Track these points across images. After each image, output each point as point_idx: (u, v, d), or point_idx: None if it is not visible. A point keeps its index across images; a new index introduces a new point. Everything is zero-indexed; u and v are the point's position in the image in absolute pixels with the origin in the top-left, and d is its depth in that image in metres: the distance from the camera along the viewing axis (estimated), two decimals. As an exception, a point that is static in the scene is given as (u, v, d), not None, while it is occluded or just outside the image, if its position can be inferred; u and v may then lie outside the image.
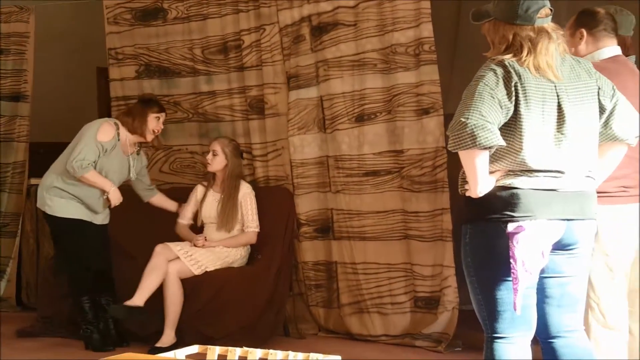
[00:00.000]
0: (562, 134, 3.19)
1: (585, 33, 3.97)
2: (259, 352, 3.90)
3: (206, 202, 6.11)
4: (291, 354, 3.87)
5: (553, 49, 3.26)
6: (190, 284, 6.00)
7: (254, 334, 5.67)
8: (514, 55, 3.19)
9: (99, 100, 9.16)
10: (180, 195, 6.64)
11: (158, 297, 5.98)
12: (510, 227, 3.13)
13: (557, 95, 3.20)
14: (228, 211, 5.98)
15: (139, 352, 5.01)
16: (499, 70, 3.15)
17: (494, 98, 3.07)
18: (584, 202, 3.33)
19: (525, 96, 3.12)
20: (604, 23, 3.99)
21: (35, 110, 7.79)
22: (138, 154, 6.07)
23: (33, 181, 7.54)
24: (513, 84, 3.10)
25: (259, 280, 6.00)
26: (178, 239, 6.40)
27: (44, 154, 7.90)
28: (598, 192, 3.54)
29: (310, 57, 6.19)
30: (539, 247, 3.13)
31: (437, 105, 5.71)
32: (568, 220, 3.26)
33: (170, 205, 6.25)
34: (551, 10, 3.38)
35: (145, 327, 5.89)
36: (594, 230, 3.47)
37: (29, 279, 7.47)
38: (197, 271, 5.80)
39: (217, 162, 6.01)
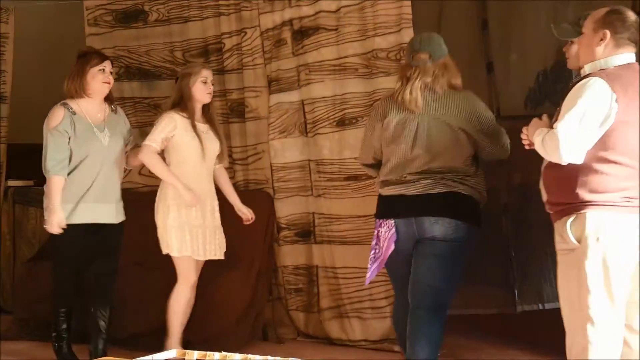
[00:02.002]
0: None
1: (609, 36, 3.76)
2: (237, 357, 3.83)
3: (205, 135, 5.39)
4: (270, 358, 3.80)
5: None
6: (170, 288, 5.82)
7: (232, 338, 5.65)
8: None
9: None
10: None
11: (138, 299, 6.06)
12: None
13: None
14: (224, 145, 5.61)
15: (118, 355, 4.93)
16: None
17: None
18: None
19: None
20: (630, 31, 3.79)
21: (13, 111, 7.73)
22: (116, 112, 5.50)
23: (10, 182, 7.56)
24: None
25: (238, 284, 5.96)
26: None
27: (22, 156, 7.86)
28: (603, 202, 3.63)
29: (291, 61, 6.19)
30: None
31: None
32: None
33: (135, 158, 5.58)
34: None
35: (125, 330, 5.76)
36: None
37: (5, 282, 7.39)
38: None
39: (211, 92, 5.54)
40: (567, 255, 3.77)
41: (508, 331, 5.86)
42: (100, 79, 5.24)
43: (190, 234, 5.27)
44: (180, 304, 5.34)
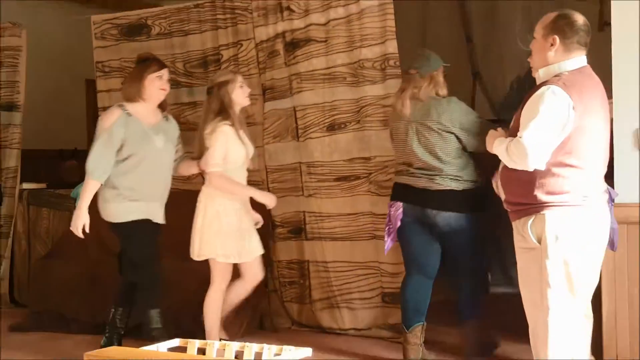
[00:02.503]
0: None
1: (558, 41, 3.80)
2: (236, 345, 4.02)
3: (245, 142, 5.39)
4: (266, 346, 3.98)
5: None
6: (175, 278, 5.99)
7: (231, 327, 5.64)
8: None
9: (87, 110, 9.23)
10: (168, 201, 6.25)
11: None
12: None
13: None
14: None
15: (126, 345, 5.07)
16: None
17: None
18: None
19: None
20: (579, 35, 3.82)
21: (27, 119, 7.81)
22: (167, 120, 5.55)
23: (25, 185, 7.65)
24: None
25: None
26: (181, 236, 5.85)
27: (35, 160, 8.07)
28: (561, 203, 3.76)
29: (284, 71, 6.27)
30: None
31: None
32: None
33: (193, 169, 5.51)
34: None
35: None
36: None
37: (21, 277, 7.49)
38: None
39: None
40: (527, 253, 3.85)
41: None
42: (157, 85, 5.29)
43: (231, 239, 5.23)
44: (217, 304, 5.34)
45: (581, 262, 3.80)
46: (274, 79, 6.37)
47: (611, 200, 4.53)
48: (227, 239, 5.21)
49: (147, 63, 5.37)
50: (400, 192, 5.22)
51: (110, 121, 5.17)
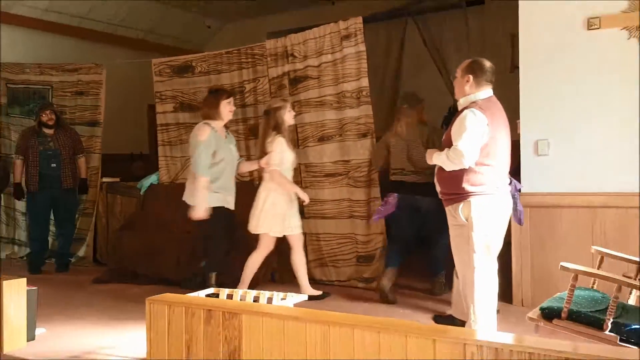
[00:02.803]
0: None
1: (472, 79, 3.88)
2: (253, 292, 4.06)
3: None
4: (275, 293, 4.02)
5: None
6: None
7: (251, 280, 5.53)
8: None
9: (148, 126, 9.21)
10: None
11: (186, 255, 6.09)
12: None
13: None
14: None
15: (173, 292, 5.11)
16: None
17: None
18: None
19: None
20: (486, 74, 3.90)
21: (105, 132, 7.81)
22: (228, 134, 5.50)
23: (104, 179, 7.64)
24: None
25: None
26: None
27: (110, 161, 8.08)
28: (481, 192, 3.82)
29: (289, 99, 6.04)
30: None
31: (371, 131, 5.75)
32: None
33: (254, 166, 5.58)
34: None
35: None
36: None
37: (101, 244, 7.50)
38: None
39: None
40: (458, 229, 3.90)
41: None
42: (228, 109, 5.30)
43: (280, 221, 5.27)
44: (256, 265, 5.37)
45: (495, 234, 3.86)
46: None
47: (517, 190, 4.60)
48: (277, 220, 5.28)
49: (219, 92, 5.42)
50: (396, 187, 5.36)
51: (205, 135, 5.16)
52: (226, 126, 5.48)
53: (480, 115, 3.76)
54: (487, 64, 3.95)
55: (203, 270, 5.43)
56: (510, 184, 4.62)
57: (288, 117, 5.36)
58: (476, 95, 3.89)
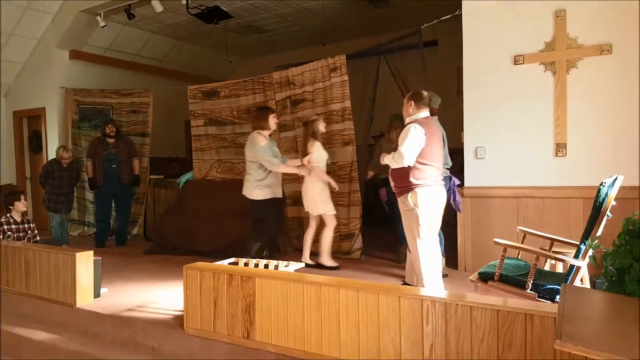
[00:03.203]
0: None
1: (413, 104, 3.91)
2: (264, 261, 4.06)
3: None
4: (280, 262, 4.02)
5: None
6: (229, 224, 5.93)
7: (258, 250, 5.43)
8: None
9: (185, 136, 9.21)
10: (228, 185, 6.60)
11: (215, 232, 6.01)
12: None
13: None
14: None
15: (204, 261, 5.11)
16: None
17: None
18: None
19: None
20: (423, 100, 3.92)
21: (153, 141, 7.80)
22: (272, 140, 5.21)
23: (152, 176, 7.60)
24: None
25: None
26: (235, 204, 5.83)
27: (157, 163, 8.06)
28: (424, 184, 3.79)
29: (290, 116, 6.19)
30: None
31: (352, 141, 5.69)
32: None
33: (298, 162, 5.21)
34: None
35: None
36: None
37: (150, 225, 7.47)
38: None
39: None
40: (408, 213, 3.86)
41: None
42: (274, 121, 5.12)
43: (329, 201, 5.20)
44: (329, 238, 5.26)
45: (434, 214, 3.85)
46: (285, 120, 6.26)
47: (455, 185, 4.64)
48: (329, 202, 5.22)
49: (267, 109, 5.23)
50: (385, 183, 5.12)
51: (264, 141, 4.97)
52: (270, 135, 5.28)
53: (419, 128, 3.80)
54: (425, 93, 3.97)
55: (258, 244, 5.19)
56: (450, 180, 4.66)
57: (321, 126, 5.26)
58: (417, 115, 3.92)
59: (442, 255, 4.71)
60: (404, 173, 3.84)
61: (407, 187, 3.84)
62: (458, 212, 4.91)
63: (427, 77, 5.63)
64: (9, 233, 5.33)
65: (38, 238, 5.55)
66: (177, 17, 7.93)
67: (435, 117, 4.67)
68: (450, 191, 4.73)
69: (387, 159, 3.91)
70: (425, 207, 3.80)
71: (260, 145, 4.97)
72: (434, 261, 3.85)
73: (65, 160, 6.56)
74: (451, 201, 4.75)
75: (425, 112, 3.96)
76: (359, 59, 6.19)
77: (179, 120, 9.30)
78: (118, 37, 8.34)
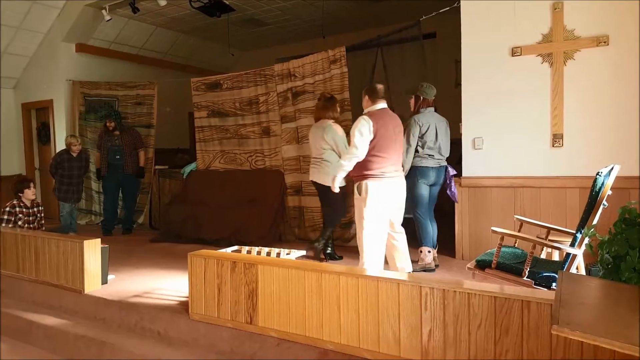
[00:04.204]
0: None
1: (368, 98, 3.88)
2: (266, 249, 4.07)
3: None
4: (282, 250, 4.03)
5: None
6: (232, 213, 5.96)
7: (264, 240, 5.64)
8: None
9: (189, 127, 9.16)
10: (231, 175, 6.61)
11: (221, 221, 6.04)
12: None
13: None
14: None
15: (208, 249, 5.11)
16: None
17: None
18: None
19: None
20: (379, 93, 3.87)
21: (158, 132, 7.75)
22: None
23: (157, 167, 7.58)
24: None
25: (268, 214, 5.95)
26: (237, 194, 6.08)
27: (161, 154, 8.03)
28: (372, 175, 3.75)
29: (291, 108, 6.14)
30: None
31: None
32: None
33: None
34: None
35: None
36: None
37: (155, 214, 7.47)
38: None
39: None
40: (357, 202, 3.83)
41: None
42: (339, 110, 5.00)
43: None
44: None
45: (382, 207, 3.78)
46: (286, 112, 6.24)
47: (450, 175, 4.60)
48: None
49: (333, 98, 5.01)
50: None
51: (342, 131, 4.84)
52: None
53: (368, 120, 3.76)
54: (379, 87, 3.92)
55: (322, 233, 5.06)
56: (446, 170, 4.61)
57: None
58: (372, 108, 3.88)
59: (434, 246, 4.68)
60: (359, 165, 3.81)
61: (357, 176, 3.83)
62: (455, 202, 4.89)
63: (426, 69, 5.58)
64: (20, 215, 5.51)
65: (43, 222, 5.80)
66: (180, 10, 7.87)
67: (431, 109, 4.63)
68: (445, 181, 4.70)
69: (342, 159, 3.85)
70: (371, 199, 3.76)
71: (339, 135, 4.83)
72: (375, 253, 3.80)
73: (75, 147, 6.56)
74: (447, 191, 4.73)
75: (380, 105, 3.90)
76: (358, 51, 6.14)
77: (182, 112, 9.27)
78: (123, 31, 8.29)
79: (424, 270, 4.44)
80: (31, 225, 5.63)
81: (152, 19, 8.24)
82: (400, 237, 3.98)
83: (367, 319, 2.66)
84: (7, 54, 8.02)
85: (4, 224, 5.41)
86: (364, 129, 3.74)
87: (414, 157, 4.54)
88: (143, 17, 8.03)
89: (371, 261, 3.79)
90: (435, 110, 4.70)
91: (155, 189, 7.51)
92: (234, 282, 3.16)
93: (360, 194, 3.79)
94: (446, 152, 4.69)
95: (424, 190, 4.60)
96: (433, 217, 4.75)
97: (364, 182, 3.77)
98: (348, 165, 3.79)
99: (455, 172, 4.75)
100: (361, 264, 3.82)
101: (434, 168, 4.60)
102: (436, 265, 4.62)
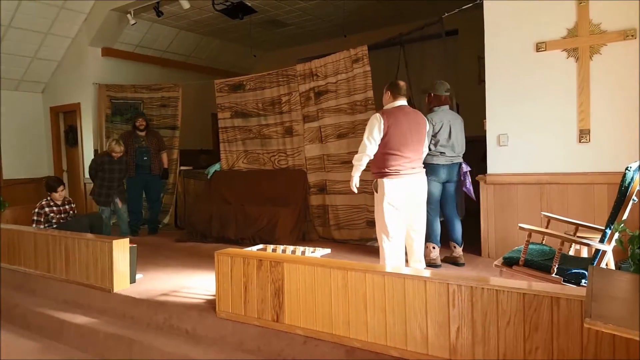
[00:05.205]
0: None
1: (389, 94, 3.86)
2: (291, 247, 4.09)
3: None
4: (307, 248, 4.05)
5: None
6: (256, 213, 5.98)
7: (288, 239, 5.67)
8: None
9: (212, 128, 9.30)
10: (254, 175, 6.65)
11: (244, 221, 6.05)
12: None
13: None
14: None
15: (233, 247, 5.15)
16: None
17: None
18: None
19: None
20: (400, 90, 3.85)
21: (182, 133, 7.84)
22: None
23: (182, 167, 7.65)
24: None
25: (291, 213, 5.98)
26: (261, 193, 6.12)
27: (185, 155, 8.12)
28: (386, 173, 3.74)
29: (314, 107, 6.15)
30: None
31: None
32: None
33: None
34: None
35: None
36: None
37: (180, 214, 7.53)
38: None
39: None
40: (375, 199, 3.84)
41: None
42: None
43: None
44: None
45: (397, 200, 3.76)
46: (309, 111, 6.26)
47: (464, 171, 4.54)
48: None
49: (397, 85, 4.77)
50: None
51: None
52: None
53: (378, 117, 3.75)
54: (401, 83, 3.89)
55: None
56: (460, 166, 4.58)
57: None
58: (390, 105, 3.86)
59: (459, 244, 4.65)
60: (374, 160, 3.83)
61: (374, 173, 3.85)
62: (472, 199, 4.83)
63: (448, 66, 5.54)
64: (51, 215, 5.55)
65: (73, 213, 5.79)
66: (203, 13, 7.96)
67: (445, 107, 4.60)
68: (460, 177, 4.67)
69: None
70: (387, 197, 3.75)
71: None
72: (393, 250, 3.79)
73: (117, 153, 6.39)
74: (463, 188, 4.69)
75: (399, 102, 3.87)
76: (380, 49, 6.13)
77: (206, 114, 9.36)
78: (147, 34, 8.42)
79: (429, 266, 4.46)
80: (63, 222, 5.63)
81: (175, 22, 8.36)
82: (417, 237, 3.95)
83: (393, 317, 2.65)
84: (37, 59, 8.21)
85: (34, 225, 5.51)
86: (373, 127, 3.76)
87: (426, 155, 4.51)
88: (167, 20, 8.14)
89: (390, 259, 3.78)
90: (457, 108, 4.67)
91: (180, 190, 7.58)
92: (260, 280, 3.18)
93: (376, 191, 3.80)
94: (461, 149, 4.66)
95: (433, 187, 4.57)
96: (456, 214, 4.73)
97: (379, 180, 3.78)
98: (359, 162, 3.81)
99: (469, 169, 4.71)
100: (381, 262, 3.82)
101: (445, 165, 4.59)
102: (462, 264, 4.59)
